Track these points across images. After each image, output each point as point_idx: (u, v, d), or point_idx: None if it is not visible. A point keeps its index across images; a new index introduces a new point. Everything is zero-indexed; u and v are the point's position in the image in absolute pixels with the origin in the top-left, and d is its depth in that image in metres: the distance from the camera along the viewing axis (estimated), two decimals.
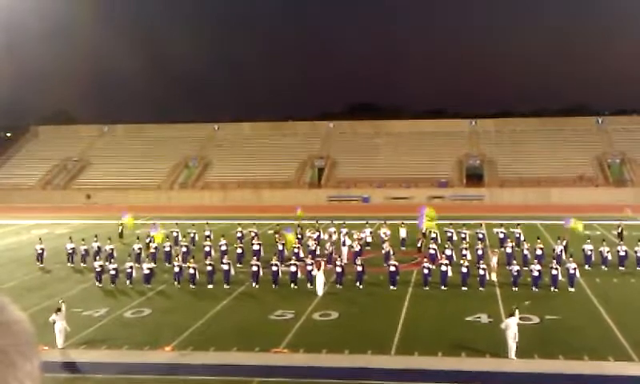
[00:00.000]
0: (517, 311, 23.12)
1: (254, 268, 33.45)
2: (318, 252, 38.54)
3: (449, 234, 42.25)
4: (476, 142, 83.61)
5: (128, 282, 33.80)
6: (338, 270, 33.14)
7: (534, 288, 31.15)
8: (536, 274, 31.62)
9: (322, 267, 32.40)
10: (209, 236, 42.42)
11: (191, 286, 33.19)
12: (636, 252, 35.72)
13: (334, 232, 42.94)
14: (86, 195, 77.63)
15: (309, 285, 32.34)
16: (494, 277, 32.89)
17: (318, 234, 42.46)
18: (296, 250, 37.53)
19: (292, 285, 32.83)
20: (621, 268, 35.42)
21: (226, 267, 33.75)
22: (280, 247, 38.85)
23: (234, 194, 75.44)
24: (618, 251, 36.12)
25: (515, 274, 31.91)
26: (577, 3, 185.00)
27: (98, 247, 39.08)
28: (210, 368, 22.27)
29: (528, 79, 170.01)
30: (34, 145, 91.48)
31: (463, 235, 41.06)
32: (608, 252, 35.99)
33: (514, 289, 31.36)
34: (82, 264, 38.87)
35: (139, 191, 76.78)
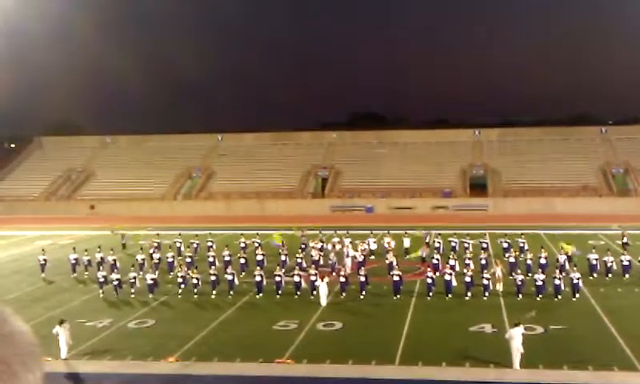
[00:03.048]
0: (521, 323, 23.05)
1: (258, 278, 33.41)
2: (321, 262, 38.56)
3: (452, 244, 42.26)
4: (479, 151, 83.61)
5: (131, 292, 33.79)
6: (342, 280, 33.11)
7: (538, 297, 31.09)
8: (540, 283, 31.56)
9: (326, 277, 32.38)
10: (211, 246, 42.42)
11: (195, 296, 33.17)
12: None
13: (338, 242, 42.91)
14: (89, 206, 77.71)
15: (312, 295, 32.29)
16: (499, 287, 32.79)
17: (321, 244, 42.48)
18: (299, 260, 37.52)
19: (296, 295, 32.79)
20: (625, 277, 35.33)
21: (229, 277, 33.75)
22: (283, 257, 38.84)
23: (238, 205, 75.47)
24: (622, 261, 36.04)
25: (519, 283, 31.86)
26: (580, 13, 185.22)
27: (101, 258, 39.10)
28: (214, 379, 22.24)
29: (531, 89, 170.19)
30: (38, 156, 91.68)
31: (467, 245, 40.97)
32: (612, 262, 35.92)
33: (518, 298, 31.30)
34: (85, 275, 38.90)
35: (143, 202, 76.86)
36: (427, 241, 43.98)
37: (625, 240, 43.25)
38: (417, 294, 33.22)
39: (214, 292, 33.40)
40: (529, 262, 36.04)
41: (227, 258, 38.54)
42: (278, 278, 33.28)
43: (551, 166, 77.23)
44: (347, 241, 42.00)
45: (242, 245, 43.41)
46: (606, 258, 36.16)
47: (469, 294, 31.91)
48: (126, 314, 30.76)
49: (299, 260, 37.62)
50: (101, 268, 36.74)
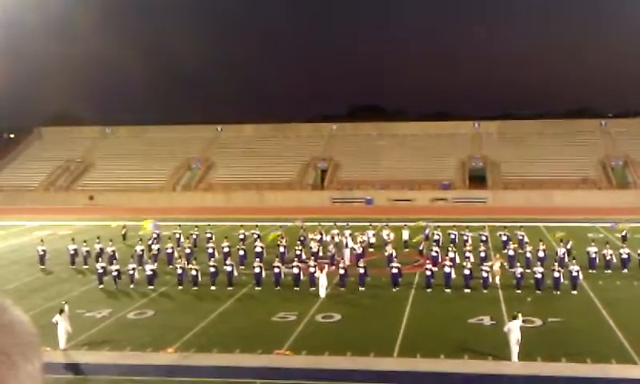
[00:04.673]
0: (519, 315, 23.09)
1: (257, 270, 33.44)
2: (320, 254, 38.57)
3: (452, 236, 42.25)
4: (479, 144, 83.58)
5: (130, 283, 33.81)
6: (341, 271, 33.12)
7: (537, 290, 31.13)
8: (539, 276, 31.58)
9: (325, 269, 32.40)
10: (210, 238, 42.42)
11: (194, 287, 33.18)
12: (639, 254, 35.65)
13: (337, 234, 42.89)
14: (88, 197, 77.72)
15: (311, 287, 32.31)
16: (498, 280, 32.82)
17: (320, 236, 42.46)
18: (298, 252, 37.54)
19: (294, 287, 32.82)
20: (624, 271, 35.36)
21: (228, 269, 33.75)
22: (282, 249, 38.85)
23: (237, 196, 75.46)
24: (621, 254, 36.05)
25: (518, 276, 31.88)
26: (580, 6, 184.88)
27: (100, 249, 39.09)
28: (213, 370, 22.26)
29: (531, 82, 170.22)
30: (37, 146, 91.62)
31: (466, 237, 40.94)
32: (611, 255, 35.93)
33: (516, 291, 31.33)
34: (84, 265, 38.90)
35: (142, 193, 76.85)
36: (427, 233, 43.97)
37: (624, 233, 43.26)
38: (416, 286, 33.25)
39: (214, 283, 33.41)
40: (528, 255, 36.05)
41: (226, 250, 38.55)
42: (277, 270, 33.30)
43: (551, 158, 77.17)
44: (347, 233, 42.00)
45: (241, 236, 43.43)
46: (605, 251, 36.16)
47: (468, 286, 31.92)
48: (125, 304, 30.79)
49: (298, 252, 37.65)
50: (100, 259, 36.76)
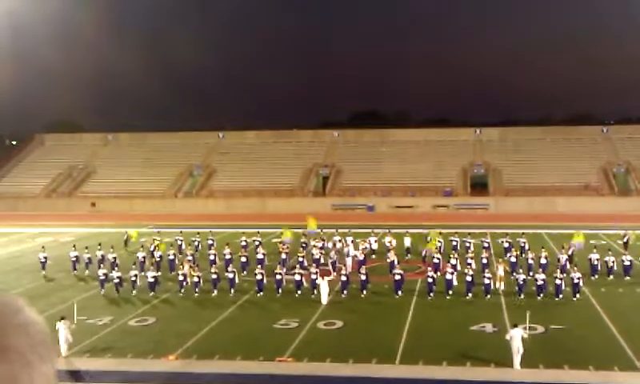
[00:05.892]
0: (521, 323, 23.11)
1: (259, 276, 33.40)
2: (322, 261, 38.52)
3: (454, 243, 42.22)
4: (481, 150, 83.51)
5: (132, 290, 33.78)
6: (343, 278, 33.09)
7: (538, 297, 31.09)
8: (540, 282, 31.54)
9: (327, 276, 32.36)
10: (212, 244, 42.39)
11: (195, 294, 33.15)
12: None
13: (339, 241, 42.82)
14: (90, 203, 77.68)
15: (313, 293, 32.29)
16: (502, 286, 32.76)
17: (322, 242, 42.42)
18: (300, 259, 37.48)
19: (296, 293, 32.79)
20: (626, 278, 35.31)
21: (230, 276, 33.74)
22: (284, 256, 38.84)
23: (239, 203, 75.38)
24: (623, 261, 36.01)
25: (521, 282, 31.83)
26: (582, 11, 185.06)
27: (102, 255, 39.07)
28: (214, 377, 22.24)
29: (533, 88, 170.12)
30: (39, 153, 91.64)
31: (468, 244, 40.90)
32: (613, 262, 35.90)
33: (519, 298, 31.28)
34: (85, 272, 38.87)
35: (144, 199, 76.82)
36: (428, 240, 43.84)
37: (626, 240, 43.20)
38: (418, 293, 33.20)
39: (215, 290, 33.40)
40: (530, 261, 36.03)
41: (228, 257, 38.51)
42: (278, 277, 33.28)
43: (552, 165, 77.09)
44: (349, 239, 41.95)
45: (243, 243, 43.37)
46: (607, 258, 36.14)
47: (470, 293, 31.89)
48: (126, 311, 30.76)
49: (300, 258, 37.58)
50: (101, 266, 36.71)
